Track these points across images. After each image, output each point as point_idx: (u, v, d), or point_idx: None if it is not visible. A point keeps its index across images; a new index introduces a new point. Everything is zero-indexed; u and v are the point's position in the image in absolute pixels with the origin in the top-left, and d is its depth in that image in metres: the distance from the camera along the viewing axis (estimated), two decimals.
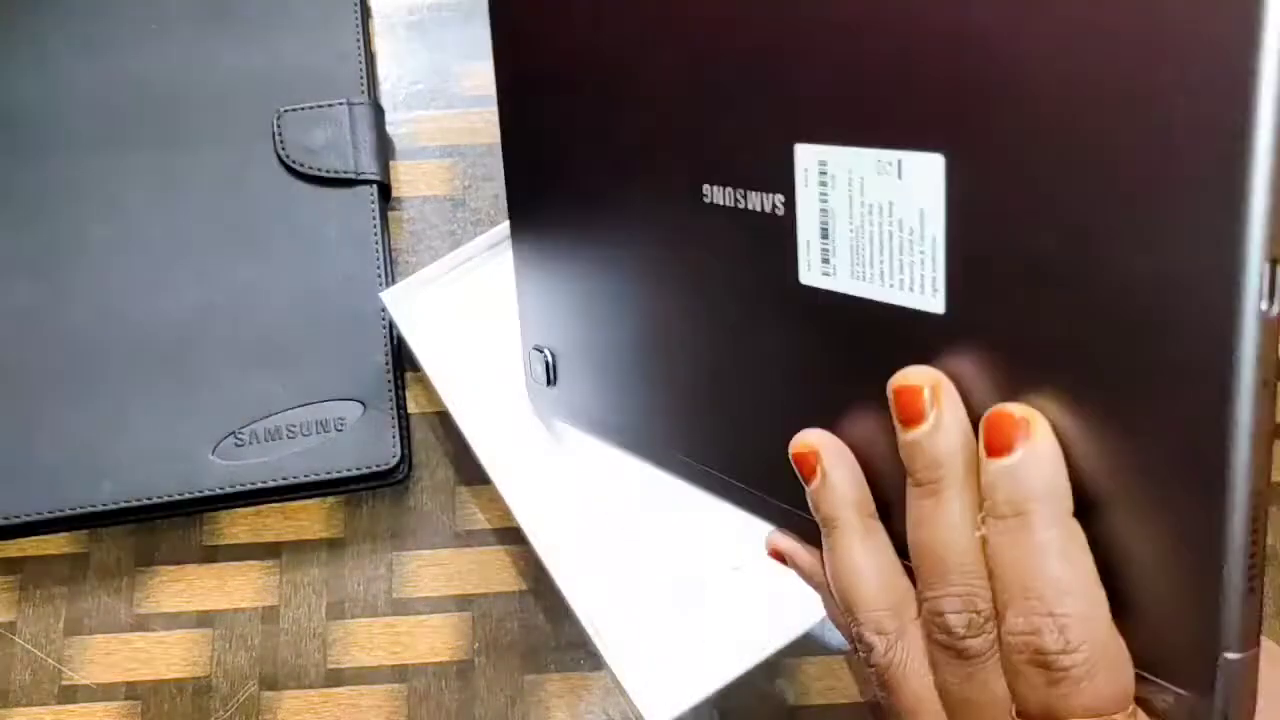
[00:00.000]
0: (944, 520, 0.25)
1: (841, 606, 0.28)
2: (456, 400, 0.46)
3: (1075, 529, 0.23)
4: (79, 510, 0.46)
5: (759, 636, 0.43)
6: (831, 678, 0.47)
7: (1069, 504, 0.23)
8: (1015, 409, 0.23)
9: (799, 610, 0.44)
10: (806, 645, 0.44)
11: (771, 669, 0.46)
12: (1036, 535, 0.23)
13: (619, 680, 0.42)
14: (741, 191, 0.29)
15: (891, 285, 0.26)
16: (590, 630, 0.43)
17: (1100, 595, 0.23)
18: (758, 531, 0.45)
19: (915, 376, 0.25)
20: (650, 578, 0.45)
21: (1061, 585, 0.22)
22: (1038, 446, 0.23)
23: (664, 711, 0.42)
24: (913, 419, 0.25)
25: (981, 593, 0.24)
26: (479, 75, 0.56)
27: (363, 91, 0.53)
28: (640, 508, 0.45)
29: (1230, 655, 0.21)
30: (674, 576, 0.45)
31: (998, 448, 0.23)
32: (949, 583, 0.25)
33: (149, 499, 0.47)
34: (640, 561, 0.45)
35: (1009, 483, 0.23)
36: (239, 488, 0.47)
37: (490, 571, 0.48)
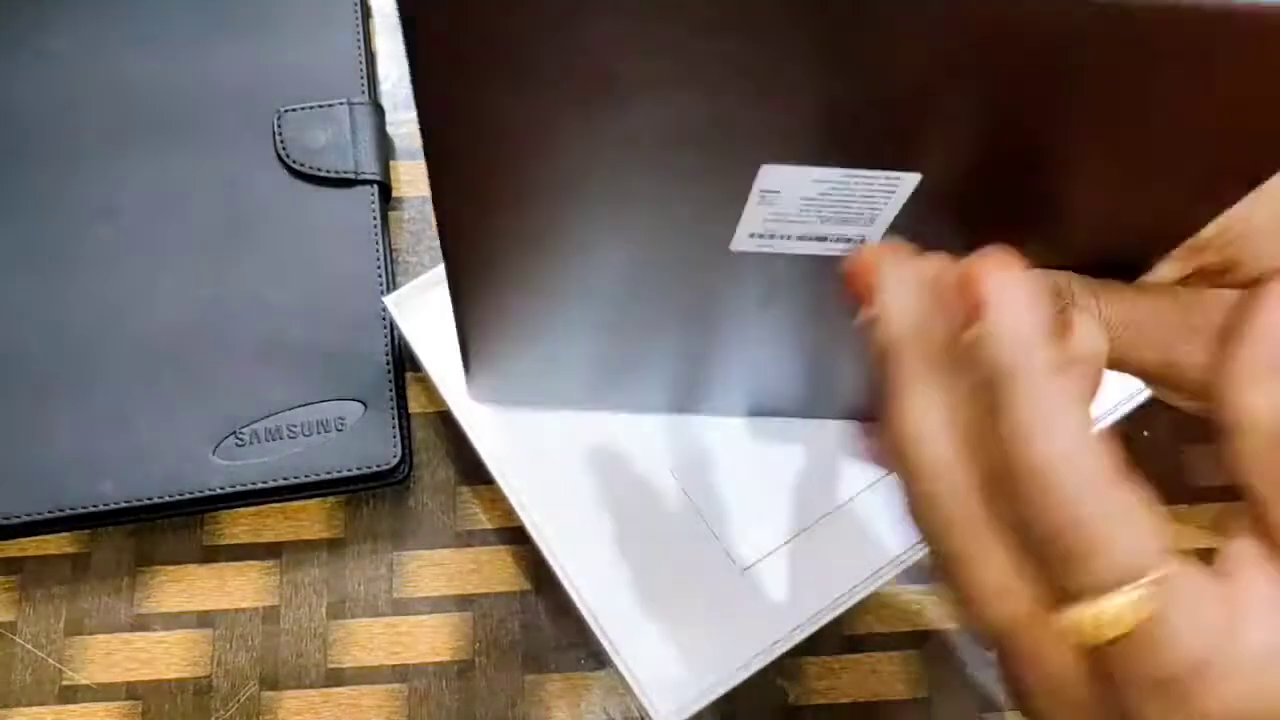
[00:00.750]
0: (900, 413, 0.22)
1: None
2: (458, 401, 0.46)
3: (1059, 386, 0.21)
4: (79, 510, 0.46)
5: (768, 637, 0.43)
6: (832, 677, 0.47)
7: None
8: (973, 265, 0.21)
9: (808, 611, 0.44)
10: (807, 645, 0.44)
11: (772, 668, 0.46)
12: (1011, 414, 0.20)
13: (630, 682, 0.42)
14: None
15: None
16: (597, 631, 0.43)
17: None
18: (763, 530, 0.45)
19: (854, 258, 0.23)
20: (656, 578, 0.45)
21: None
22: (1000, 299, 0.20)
23: (675, 713, 0.42)
24: (863, 301, 0.22)
25: (954, 489, 0.21)
26: None
27: (363, 91, 0.53)
28: (644, 507, 0.45)
29: None
30: (680, 576, 0.45)
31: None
32: (915, 482, 0.22)
33: (149, 499, 0.47)
34: (646, 561, 0.45)
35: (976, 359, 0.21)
36: (239, 488, 0.47)
37: (490, 571, 0.48)
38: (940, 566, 0.22)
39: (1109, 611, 0.20)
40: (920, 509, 0.22)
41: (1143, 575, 0.20)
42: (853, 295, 0.23)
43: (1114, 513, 0.20)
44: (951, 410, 0.21)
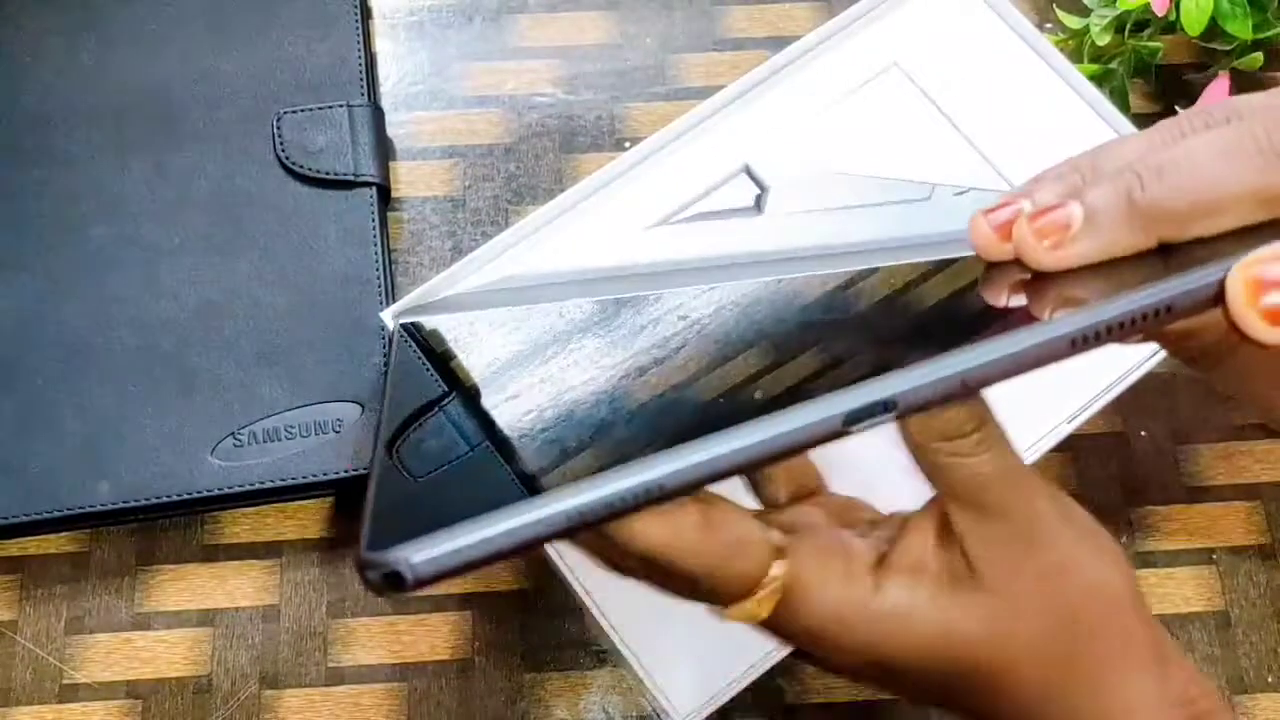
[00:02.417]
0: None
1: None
2: None
3: None
4: (76, 511, 0.46)
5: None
6: (830, 676, 0.47)
7: None
8: None
9: None
10: None
11: (771, 667, 0.46)
12: None
13: (647, 683, 0.42)
14: None
15: None
16: (610, 633, 0.42)
17: None
18: None
19: None
20: None
21: None
22: None
23: (695, 712, 0.42)
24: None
25: None
26: (479, 75, 0.56)
27: (363, 93, 0.53)
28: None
29: None
30: None
31: None
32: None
33: (146, 500, 0.47)
34: None
35: None
36: (237, 489, 0.47)
37: (490, 570, 0.48)
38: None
39: (751, 608, 0.27)
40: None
41: (765, 577, 0.27)
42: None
43: (728, 551, 0.27)
44: None
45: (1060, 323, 0.22)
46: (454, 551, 0.20)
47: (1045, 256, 0.25)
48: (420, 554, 0.20)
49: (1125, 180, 0.25)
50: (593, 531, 0.23)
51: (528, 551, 0.21)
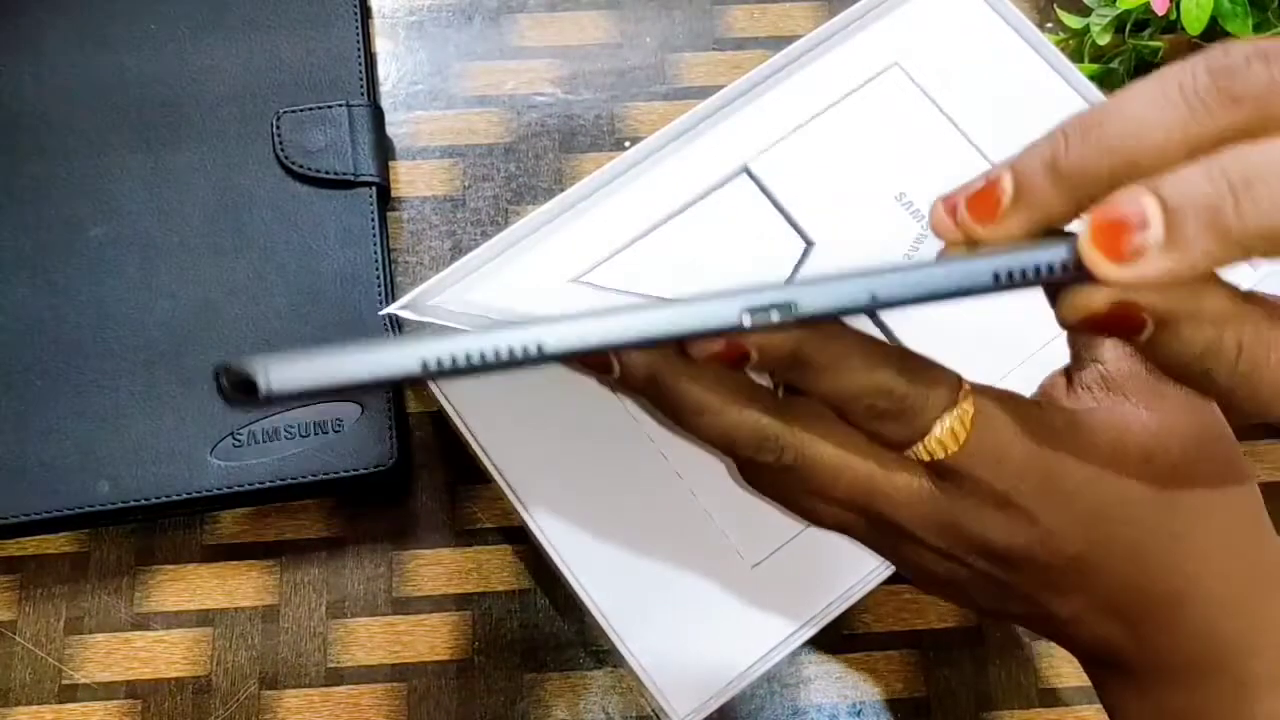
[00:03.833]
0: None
1: None
2: (458, 403, 0.46)
3: None
4: (76, 510, 0.46)
5: (782, 632, 0.43)
6: (830, 677, 0.47)
7: None
8: None
9: (821, 603, 0.44)
10: (805, 644, 0.44)
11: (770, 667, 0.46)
12: None
13: (646, 684, 0.42)
14: None
15: None
16: (609, 633, 0.43)
17: None
18: (771, 525, 0.45)
19: None
20: (667, 578, 0.44)
21: None
22: None
23: (694, 713, 0.42)
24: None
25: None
26: (479, 75, 0.56)
27: (363, 93, 0.53)
28: (651, 507, 0.45)
29: None
30: (691, 576, 0.44)
31: None
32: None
33: (146, 499, 0.47)
34: (655, 562, 0.45)
35: None
36: (236, 488, 0.47)
37: (490, 571, 0.48)
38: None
39: (946, 429, 0.26)
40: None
41: (953, 403, 0.26)
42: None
43: (915, 377, 0.26)
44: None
45: (986, 254, 0.22)
46: (317, 367, 0.19)
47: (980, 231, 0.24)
48: (280, 366, 0.19)
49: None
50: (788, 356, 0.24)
51: (397, 384, 0.20)
